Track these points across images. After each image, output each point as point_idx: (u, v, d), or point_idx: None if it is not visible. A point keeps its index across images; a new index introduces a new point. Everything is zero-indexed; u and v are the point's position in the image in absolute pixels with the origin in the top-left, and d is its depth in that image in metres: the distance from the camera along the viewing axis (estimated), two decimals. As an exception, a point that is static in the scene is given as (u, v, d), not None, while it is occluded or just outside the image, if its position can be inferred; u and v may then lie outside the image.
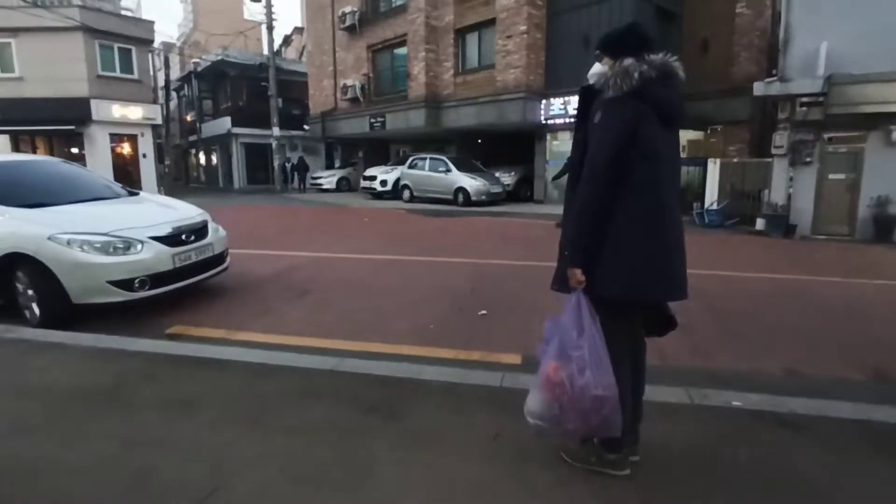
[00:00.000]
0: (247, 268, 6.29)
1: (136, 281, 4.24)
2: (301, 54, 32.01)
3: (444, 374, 2.94)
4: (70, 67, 18.24)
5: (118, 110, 19.17)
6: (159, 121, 22.04)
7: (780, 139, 10.24)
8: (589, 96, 1.96)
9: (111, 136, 19.54)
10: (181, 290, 4.63)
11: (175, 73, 37.25)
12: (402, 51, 18.62)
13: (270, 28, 23.74)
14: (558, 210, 10.24)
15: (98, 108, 18.62)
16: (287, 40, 39.47)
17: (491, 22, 15.53)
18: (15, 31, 18.08)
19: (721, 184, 11.74)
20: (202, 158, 34.43)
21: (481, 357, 3.52)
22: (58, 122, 18.37)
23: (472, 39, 16.76)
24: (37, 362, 3.14)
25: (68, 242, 4.08)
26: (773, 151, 10.42)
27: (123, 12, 21.07)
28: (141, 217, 4.73)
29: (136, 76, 19.90)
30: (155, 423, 2.40)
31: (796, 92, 9.71)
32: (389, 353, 3.54)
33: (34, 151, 19.74)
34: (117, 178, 19.46)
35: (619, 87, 1.78)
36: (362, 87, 20.12)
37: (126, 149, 20.44)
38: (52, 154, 19.74)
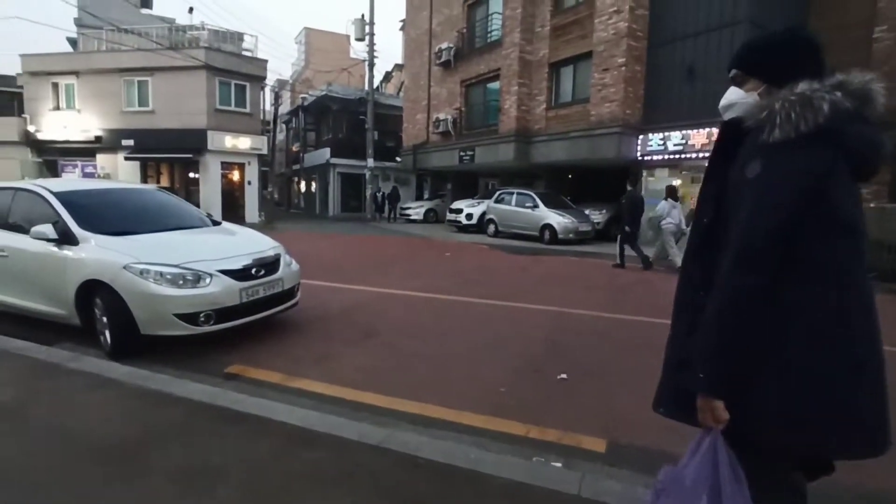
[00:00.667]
0: (320, 301, 6.15)
1: (202, 315, 4.15)
2: (399, 90, 33.33)
3: (509, 467, 2.40)
4: (193, 102, 20.17)
5: (230, 140, 20.81)
6: (265, 151, 23.64)
7: (935, 183, 8.66)
8: (733, 135, 1.38)
9: (222, 164, 21.21)
10: (248, 324, 4.51)
11: (286, 108, 40.35)
12: (494, 85, 18.58)
13: (371, 65, 24.91)
14: (654, 253, 9.16)
15: (213, 139, 20.34)
16: (387, 76, 41.44)
17: (587, 55, 15.02)
18: (152, 70, 20.39)
19: (853, 232, 10.11)
20: (303, 186, 36.62)
21: (557, 438, 2.94)
22: (180, 151, 20.28)
23: (566, 73, 16.32)
24: (84, 400, 3.03)
25: (141, 273, 4.08)
26: (925, 197, 8.82)
27: (244, 53, 22.98)
28: (215, 249, 4.69)
29: (248, 110, 21.58)
30: (160, 498, 2.10)
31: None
32: (449, 422, 3.08)
33: (158, 177, 21.91)
34: (224, 202, 21.09)
35: (795, 124, 1.18)
36: (454, 121, 20.29)
37: (235, 176, 22.07)
38: (172, 179, 21.85)
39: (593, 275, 9.40)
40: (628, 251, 10.20)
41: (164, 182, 21.82)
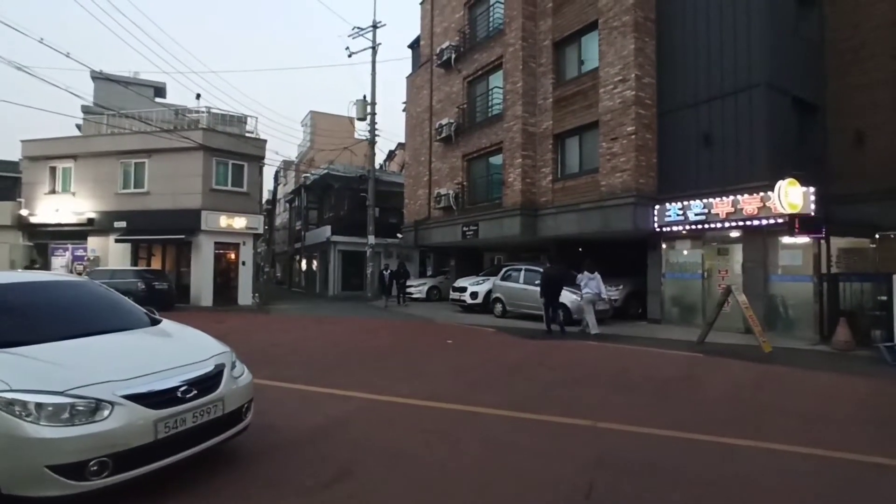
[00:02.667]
0: (285, 416, 4.86)
1: (93, 464, 2.89)
2: (402, 167, 33.31)
3: None
4: (188, 182, 19.72)
5: (224, 220, 20.06)
6: (261, 230, 22.87)
7: None
8: None
9: (216, 245, 20.32)
10: (167, 466, 3.23)
11: (291, 187, 40.54)
12: (497, 159, 18.04)
13: (373, 143, 24.87)
14: (683, 334, 7.87)
15: (207, 219, 19.63)
16: (391, 155, 41.89)
17: (593, 125, 14.43)
18: (149, 152, 20.16)
19: (917, 308, 8.86)
20: (303, 264, 35.85)
21: None
22: (172, 232, 19.53)
23: (571, 144, 15.72)
24: None
25: (8, 405, 2.87)
26: None
27: (247, 134, 22.73)
28: (132, 362, 3.48)
29: (244, 189, 21.03)
30: None
31: None
32: None
33: (150, 258, 21.06)
34: (217, 283, 20.13)
35: None
36: (455, 196, 19.63)
37: (230, 255, 21.14)
38: (164, 260, 20.98)
39: (619, 365, 8.04)
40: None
41: (156, 264, 20.95)
